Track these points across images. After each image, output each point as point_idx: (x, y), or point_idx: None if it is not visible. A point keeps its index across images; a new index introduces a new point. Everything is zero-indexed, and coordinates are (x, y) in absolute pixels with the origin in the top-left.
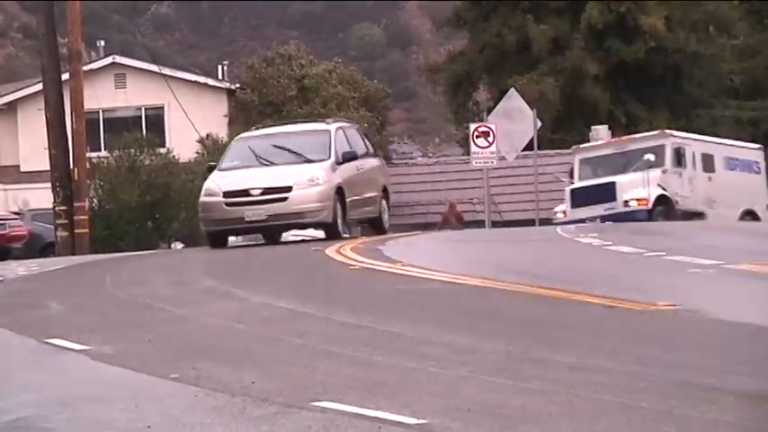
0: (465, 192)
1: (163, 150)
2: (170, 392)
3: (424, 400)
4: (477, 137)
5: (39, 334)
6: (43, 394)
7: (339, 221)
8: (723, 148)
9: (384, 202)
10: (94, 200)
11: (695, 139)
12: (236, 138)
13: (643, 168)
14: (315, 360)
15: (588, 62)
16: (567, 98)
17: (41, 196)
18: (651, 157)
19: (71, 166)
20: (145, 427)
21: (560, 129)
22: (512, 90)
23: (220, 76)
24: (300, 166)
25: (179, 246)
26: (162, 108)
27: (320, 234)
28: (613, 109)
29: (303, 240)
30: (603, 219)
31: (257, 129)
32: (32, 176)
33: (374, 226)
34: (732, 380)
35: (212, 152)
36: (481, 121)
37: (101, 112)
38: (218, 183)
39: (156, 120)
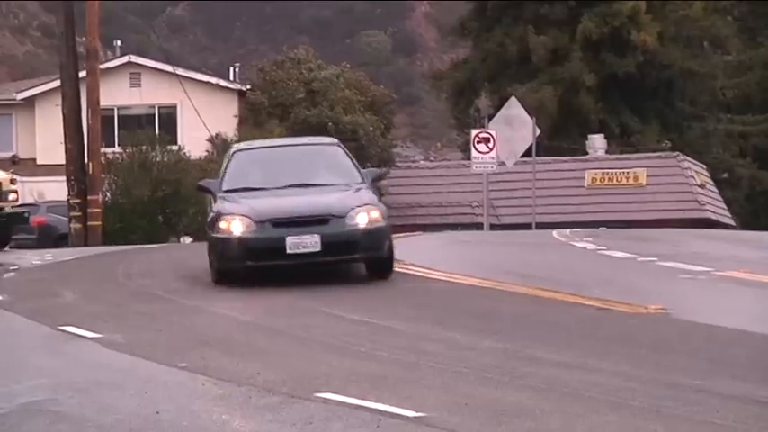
0: (465, 195)
1: (174, 148)
2: (179, 380)
3: (423, 393)
4: (477, 142)
5: (52, 321)
6: (56, 379)
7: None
8: None
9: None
10: (108, 194)
11: None
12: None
13: None
14: (318, 353)
15: (585, 73)
16: (563, 107)
17: (56, 189)
18: None
19: (86, 161)
20: (154, 412)
21: (556, 137)
22: (512, 98)
23: (232, 78)
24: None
25: (188, 240)
26: (174, 107)
27: None
28: (607, 119)
29: None
30: None
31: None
32: (48, 169)
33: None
34: (718, 382)
35: (221, 151)
36: (482, 127)
37: (116, 109)
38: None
39: (168, 118)
